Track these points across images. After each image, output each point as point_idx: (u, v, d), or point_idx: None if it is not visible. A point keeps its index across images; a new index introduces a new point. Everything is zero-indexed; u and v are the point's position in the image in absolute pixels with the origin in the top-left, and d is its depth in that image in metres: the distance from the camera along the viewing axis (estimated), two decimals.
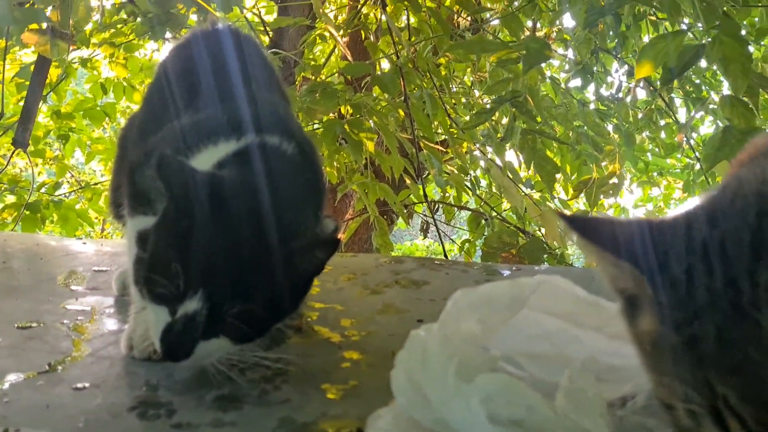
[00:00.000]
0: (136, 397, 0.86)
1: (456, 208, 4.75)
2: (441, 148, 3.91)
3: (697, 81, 4.58)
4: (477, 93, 4.70)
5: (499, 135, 3.44)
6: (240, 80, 1.10)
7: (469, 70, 4.61)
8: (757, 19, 3.94)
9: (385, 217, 4.14)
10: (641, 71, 1.54)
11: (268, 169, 0.94)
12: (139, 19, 2.82)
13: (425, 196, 3.59)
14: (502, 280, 0.83)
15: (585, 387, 0.72)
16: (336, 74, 3.72)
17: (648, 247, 0.60)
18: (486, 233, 3.87)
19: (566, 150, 4.10)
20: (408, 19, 3.60)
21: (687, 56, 1.61)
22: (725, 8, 1.77)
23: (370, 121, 3.41)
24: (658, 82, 1.86)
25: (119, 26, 3.47)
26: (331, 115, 3.41)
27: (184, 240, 0.84)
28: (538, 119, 2.97)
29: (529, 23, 3.70)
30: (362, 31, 3.80)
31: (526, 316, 0.83)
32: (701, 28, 1.63)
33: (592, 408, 0.69)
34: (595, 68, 4.59)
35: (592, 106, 4.21)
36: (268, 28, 4.07)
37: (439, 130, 4.05)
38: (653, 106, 4.63)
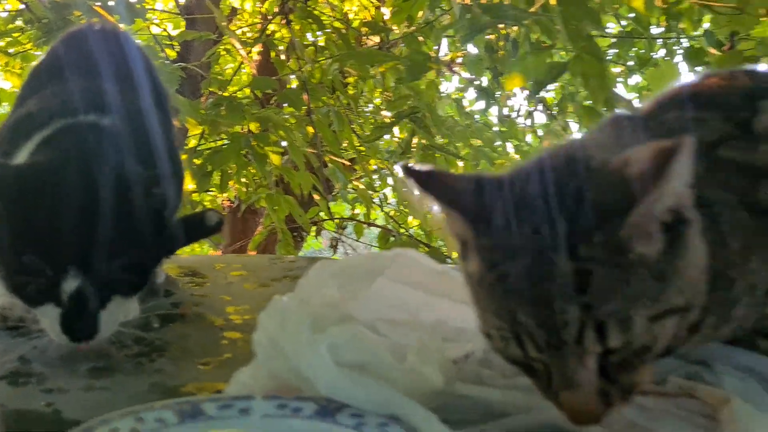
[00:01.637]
0: (9, 369, 0.88)
1: (366, 225, 4.86)
2: (347, 162, 4.00)
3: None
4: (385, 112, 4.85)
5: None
6: (79, 72, 1.18)
7: (378, 90, 4.75)
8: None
9: (295, 234, 4.18)
10: (511, 84, 1.69)
11: (83, 140, 1.01)
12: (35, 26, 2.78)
13: (329, 211, 3.67)
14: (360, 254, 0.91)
15: (430, 345, 0.81)
16: (242, 89, 3.77)
17: (475, 199, 0.69)
18: None
19: (468, 166, 4.30)
20: (314, 37, 3.70)
21: (554, 71, 1.77)
22: (590, 32, 1.96)
23: (279, 138, 3.47)
24: (528, 93, 2.03)
25: (15, 35, 3.39)
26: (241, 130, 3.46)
27: (24, 231, 0.89)
28: (436, 135, 3.12)
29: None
30: (269, 48, 3.87)
31: (384, 286, 0.91)
32: (568, 48, 1.79)
33: (432, 360, 0.78)
34: (498, 93, 4.86)
35: (496, 129, 4.45)
36: (174, 42, 4.07)
37: (349, 148, 4.16)
38: (550, 128, 4.92)
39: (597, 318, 0.61)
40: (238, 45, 2.92)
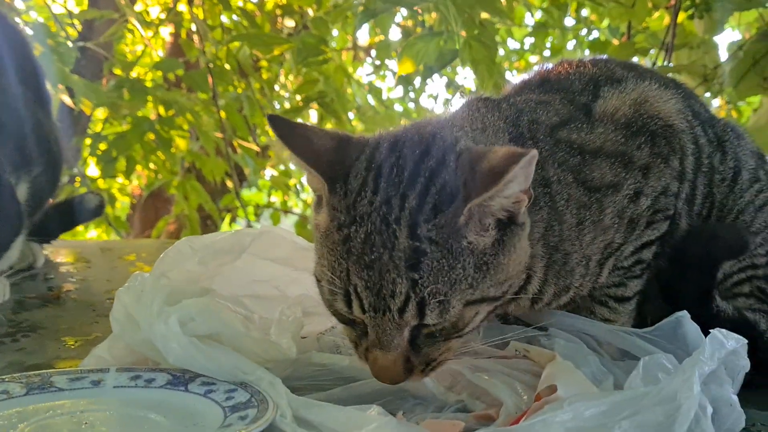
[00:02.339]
0: None
1: (283, 213, 4.83)
2: (258, 149, 3.96)
3: None
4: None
5: None
6: None
7: (292, 75, 4.72)
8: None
9: (209, 222, 4.12)
10: (403, 68, 1.74)
11: None
12: None
13: (238, 197, 3.64)
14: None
15: (289, 316, 0.85)
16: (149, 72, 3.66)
17: (335, 157, 0.72)
18: None
19: None
20: (223, 18, 3.63)
21: (445, 57, 1.83)
22: (483, 19, 2.03)
23: (187, 122, 3.40)
24: (419, 78, 2.09)
25: None
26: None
27: None
28: (345, 120, 3.14)
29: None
30: (177, 29, 3.78)
31: (250, 262, 0.94)
32: (459, 35, 1.85)
33: (288, 330, 0.82)
34: (417, 81, 4.91)
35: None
36: (75, 21, 3.90)
37: (262, 134, 4.12)
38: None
39: (421, 294, 0.66)
40: (137, 23, 2.84)
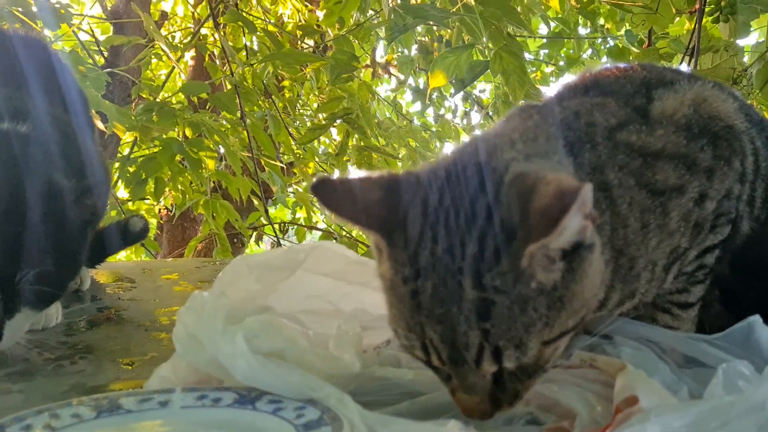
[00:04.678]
0: None
1: (307, 229, 4.84)
2: (284, 166, 3.98)
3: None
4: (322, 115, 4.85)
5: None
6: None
7: (313, 94, 4.76)
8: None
9: (236, 240, 4.14)
10: (434, 81, 1.74)
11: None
12: None
13: (267, 214, 3.65)
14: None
15: (348, 330, 0.84)
16: (175, 95, 3.71)
17: (386, 209, 0.68)
18: None
19: (406, 166, 4.35)
20: (245, 40, 3.67)
21: (476, 69, 1.83)
22: (510, 30, 2.03)
23: (214, 143, 3.44)
24: (452, 91, 2.09)
25: None
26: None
27: None
28: (369, 136, 3.14)
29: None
30: (201, 52, 3.83)
31: (303, 278, 0.93)
32: (489, 47, 1.85)
33: (349, 345, 0.81)
34: (435, 95, 4.92)
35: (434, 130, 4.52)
36: (103, 48, 3.98)
37: (287, 151, 4.15)
38: (485, 128, 5.04)
39: (495, 343, 0.63)
40: (165, 47, 2.88)
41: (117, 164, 4.14)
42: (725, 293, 0.94)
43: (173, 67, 4.05)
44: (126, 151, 4.11)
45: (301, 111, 4.85)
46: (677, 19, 3.08)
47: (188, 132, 3.45)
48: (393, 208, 0.68)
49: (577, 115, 0.88)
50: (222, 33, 3.34)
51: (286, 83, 4.26)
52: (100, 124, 2.78)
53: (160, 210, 5.11)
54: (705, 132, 0.89)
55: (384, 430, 0.64)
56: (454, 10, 1.88)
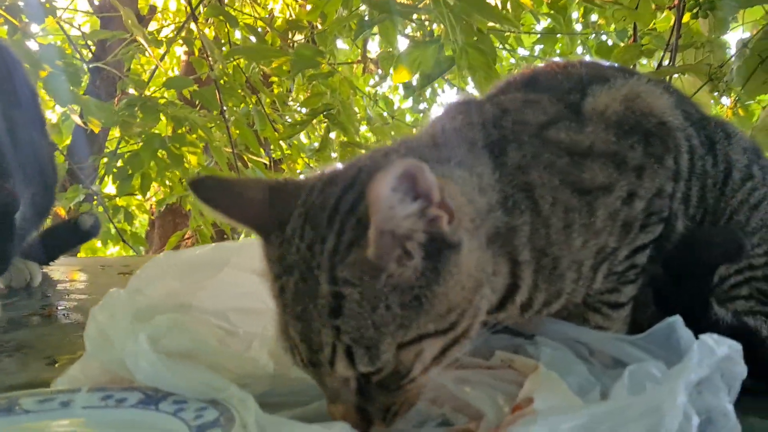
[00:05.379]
0: None
1: None
2: (269, 161, 3.97)
3: None
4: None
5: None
6: None
7: (303, 90, 4.74)
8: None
9: (226, 236, 4.14)
10: (398, 77, 1.72)
11: None
12: None
13: None
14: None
15: (271, 331, 0.83)
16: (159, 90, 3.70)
17: (267, 209, 0.68)
18: None
19: None
20: (228, 35, 3.66)
21: (443, 65, 1.81)
22: (481, 26, 2.01)
23: (198, 138, 3.43)
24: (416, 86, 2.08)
25: None
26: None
27: None
28: (351, 131, 3.13)
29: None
30: (188, 47, 3.82)
31: (235, 276, 0.92)
32: (457, 41, 1.83)
33: (266, 346, 0.80)
34: (428, 91, 4.91)
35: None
36: (90, 42, 3.97)
37: (276, 147, 4.14)
38: None
39: (347, 343, 0.61)
40: (145, 43, 2.86)
41: (104, 159, 4.14)
42: (660, 295, 0.92)
43: (159, 62, 4.04)
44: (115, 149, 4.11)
45: (290, 106, 4.83)
46: (662, 15, 3.06)
47: (172, 128, 3.45)
48: (278, 208, 0.68)
49: (506, 112, 0.86)
50: (201, 27, 3.32)
51: (274, 78, 4.25)
52: (77, 119, 2.77)
53: (151, 206, 5.11)
54: (636, 129, 0.87)
55: (274, 430, 0.62)
56: (422, 5, 1.86)
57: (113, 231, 4.05)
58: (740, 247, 0.91)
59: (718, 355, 0.67)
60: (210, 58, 2.90)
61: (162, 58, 4.05)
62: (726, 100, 2.58)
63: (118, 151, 3.94)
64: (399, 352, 0.62)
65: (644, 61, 3.09)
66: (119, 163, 3.61)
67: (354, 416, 0.64)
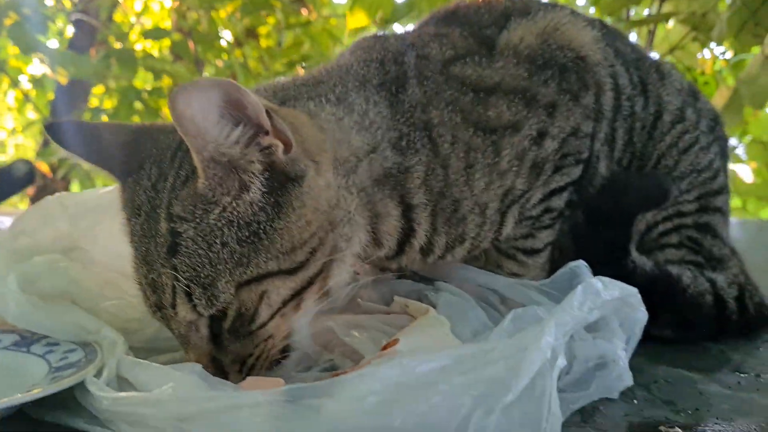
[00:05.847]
0: None
1: None
2: None
3: None
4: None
5: None
6: None
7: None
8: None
9: None
10: (354, 21, 1.66)
11: None
12: None
13: None
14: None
15: None
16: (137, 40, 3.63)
17: (127, 152, 0.66)
18: None
19: None
20: None
21: (401, 9, 1.74)
22: None
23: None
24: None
25: None
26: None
27: None
28: None
29: None
30: None
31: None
32: None
33: None
34: None
35: None
36: None
37: None
38: None
39: (186, 283, 0.57)
40: None
41: (88, 116, 4.09)
42: (578, 241, 0.88)
43: (140, 13, 3.96)
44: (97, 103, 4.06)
45: (281, 60, 4.73)
46: None
47: (150, 80, 3.39)
48: (138, 154, 0.65)
49: (411, 47, 0.81)
50: None
51: (262, 30, 4.16)
52: (45, 69, 2.72)
53: None
54: (551, 63, 0.82)
55: (129, 372, 0.60)
56: None
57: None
58: (664, 193, 0.87)
59: (604, 298, 0.63)
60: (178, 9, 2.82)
61: (144, 10, 3.97)
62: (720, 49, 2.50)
63: (102, 107, 3.90)
64: (239, 292, 0.58)
65: (633, 11, 2.98)
66: (103, 120, 3.57)
67: (210, 367, 0.60)
